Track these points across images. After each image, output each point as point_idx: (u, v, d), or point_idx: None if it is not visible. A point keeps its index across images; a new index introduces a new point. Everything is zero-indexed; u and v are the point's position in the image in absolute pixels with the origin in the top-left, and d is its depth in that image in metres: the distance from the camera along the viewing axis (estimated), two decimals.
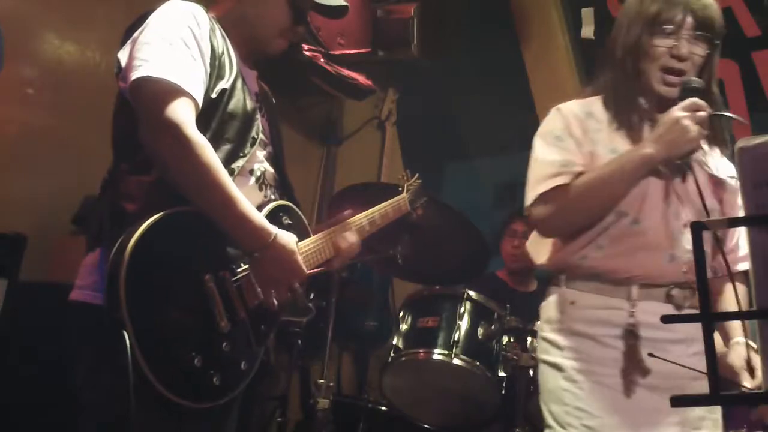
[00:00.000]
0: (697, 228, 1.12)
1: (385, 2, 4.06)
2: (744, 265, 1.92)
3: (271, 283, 1.71)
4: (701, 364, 1.84)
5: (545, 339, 1.96)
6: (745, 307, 1.78)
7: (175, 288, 1.56)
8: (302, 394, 3.76)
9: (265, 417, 3.50)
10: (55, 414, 2.21)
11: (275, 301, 1.73)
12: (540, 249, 2.04)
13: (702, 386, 1.80)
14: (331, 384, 3.17)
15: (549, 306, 1.98)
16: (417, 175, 2.39)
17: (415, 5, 3.97)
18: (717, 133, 1.93)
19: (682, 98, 1.81)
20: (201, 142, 1.60)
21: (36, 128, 2.94)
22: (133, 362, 1.45)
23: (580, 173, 1.87)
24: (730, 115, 1.91)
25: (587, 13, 4.01)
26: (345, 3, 2.03)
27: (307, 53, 3.68)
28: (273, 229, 1.70)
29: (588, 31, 4.00)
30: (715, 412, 1.87)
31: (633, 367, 1.81)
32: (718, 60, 1.94)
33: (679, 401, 1.19)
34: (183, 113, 1.59)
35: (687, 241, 1.85)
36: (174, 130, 1.57)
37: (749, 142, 1.12)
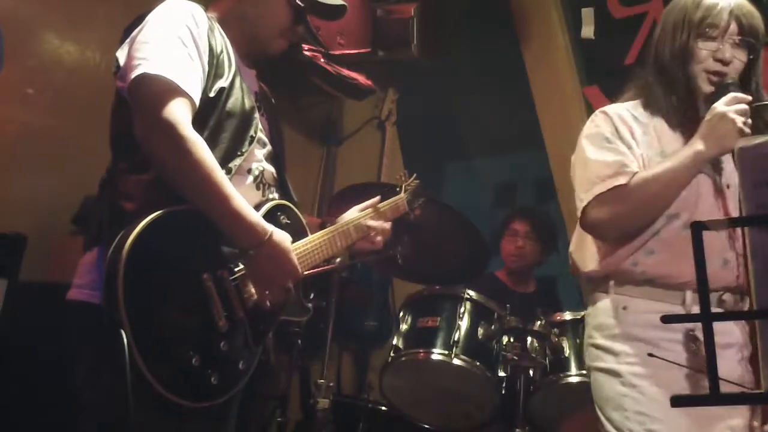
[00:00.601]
0: (696, 228, 1.12)
1: (385, 2, 4.06)
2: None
3: (266, 281, 1.72)
4: (749, 369, 1.84)
5: (597, 346, 1.94)
6: None
7: (173, 287, 1.56)
8: (302, 394, 3.75)
9: (265, 417, 3.50)
10: (55, 414, 2.21)
11: (269, 301, 1.73)
12: (585, 256, 2.00)
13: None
14: (331, 384, 3.17)
15: (598, 313, 1.96)
16: (415, 175, 2.39)
17: (415, 5, 3.96)
18: (759, 126, 1.91)
19: (718, 97, 1.84)
20: (196, 140, 1.60)
21: (36, 128, 2.94)
22: (131, 362, 1.45)
23: (635, 174, 1.86)
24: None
25: (587, 13, 4.01)
26: (343, 3, 2.03)
27: (307, 53, 3.67)
28: (269, 227, 1.71)
29: (588, 31, 4.00)
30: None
31: (698, 371, 1.78)
32: (761, 67, 1.96)
33: (679, 401, 1.19)
34: (179, 112, 1.60)
35: (738, 245, 1.85)
36: (169, 128, 1.57)
37: (749, 142, 1.12)
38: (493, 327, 2.93)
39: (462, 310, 2.96)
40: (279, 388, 3.46)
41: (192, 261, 1.61)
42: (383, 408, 3.26)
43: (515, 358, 2.88)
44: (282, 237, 1.74)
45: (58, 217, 2.82)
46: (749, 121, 1.78)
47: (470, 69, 4.37)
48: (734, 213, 1.86)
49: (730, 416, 1.83)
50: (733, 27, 1.89)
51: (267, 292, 1.72)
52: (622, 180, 1.85)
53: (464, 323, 2.93)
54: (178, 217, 1.61)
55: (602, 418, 1.87)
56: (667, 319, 1.21)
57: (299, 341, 3.27)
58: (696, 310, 1.76)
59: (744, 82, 1.92)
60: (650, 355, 1.79)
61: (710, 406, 1.75)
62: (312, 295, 1.94)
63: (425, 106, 4.55)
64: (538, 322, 2.95)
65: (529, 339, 2.93)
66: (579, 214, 1.93)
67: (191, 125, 1.62)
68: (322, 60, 3.78)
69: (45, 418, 2.47)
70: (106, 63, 3.07)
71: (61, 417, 1.87)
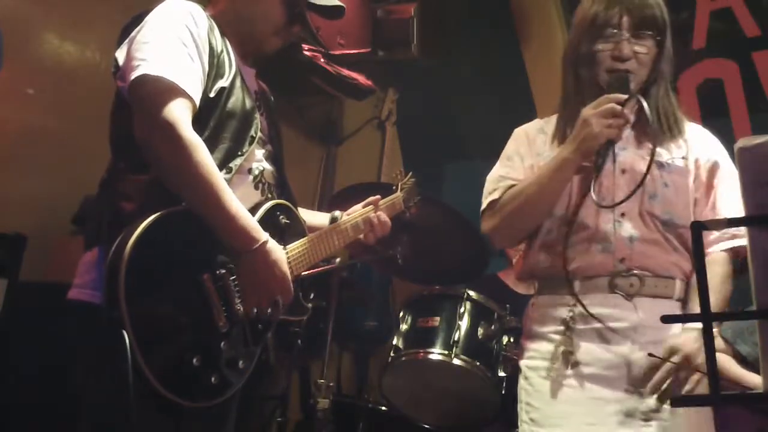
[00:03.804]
0: (696, 228, 1.12)
1: (385, 2, 4.06)
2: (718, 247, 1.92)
3: (253, 288, 1.69)
4: (656, 352, 1.84)
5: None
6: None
7: (174, 287, 1.56)
8: (302, 394, 3.76)
9: (265, 417, 3.50)
10: (55, 414, 2.21)
11: (256, 309, 1.70)
12: (511, 277, 2.16)
13: (651, 377, 1.82)
14: (331, 384, 3.17)
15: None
16: (411, 173, 2.39)
17: (415, 5, 3.96)
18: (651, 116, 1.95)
19: (609, 90, 1.86)
20: (195, 141, 1.60)
21: (36, 128, 2.94)
22: (132, 361, 1.45)
23: (513, 186, 1.98)
24: (640, 98, 1.88)
25: None
26: (341, 4, 2.03)
27: (307, 53, 3.67)
28: (264, 234, 1.69)
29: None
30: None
31: (566, 359, 1.88)
32: (670, 55, 1.97)
33: (679, 401, 1.19)
34: (178, 112, 1.59)
35: (624, 230, 1.89)
36: (168, 128, 1.57)
37: (749, 142, 1.12)
38: (493, 327, 2.93)
39: (462, 310, 2.95)
40: (279, 388, 3.47)
41: (193, 261, 1.61)
42: (383, 408, 3.26)
43: (515, 358, 2.87)
44: (275, 246, 1.72)
45: (58, 217, 2.82)
46: (618, 120, 1.80)
47: (470, 69, 4.37)
48: (618, 208, 1.88)
49: (620, 399, 1.83)
50: (626, 20, 1.90)
51: (254, 299, 1.69)
52: (495, 195, 2.01)
53: (464, 323, 2.93)
54: (179, 218, 1.61)
55: None
56: (666, 319, 1.21)
57: (299, 341, 3.27)
58: (587, 297, 1.88)
59: (649, 74, 1.93)
60: (650, 355, 1.79)
61: (710, 406, 1.77)
62: (312, 295, 1.94)
63: (425, 106, 4.55)
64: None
65: None
66: None
67: (191, 126, 1.62)
68: (322, 60, 3.78)
69: (45, 418, 2.47)
70: (106, 63, 3.07)
71: (61, 417, 1.87)
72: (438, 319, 2.96)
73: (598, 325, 1.87)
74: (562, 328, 1.90)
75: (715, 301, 1.79)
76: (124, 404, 1.45)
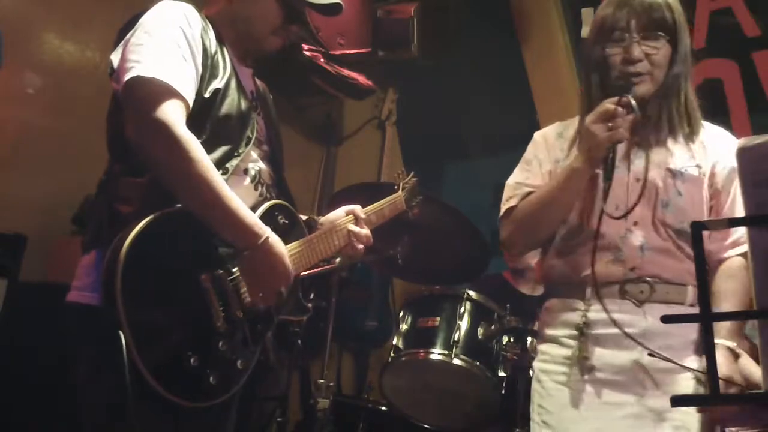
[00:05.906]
0: (696, 228, 1.12)
1: (385, 2, 4.06)
2: (731, 252, 1.91)
3: (258, 283, 1.70)
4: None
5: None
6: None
7: (172, 287, 1.56)
8: (302, 394, 3.76)
9: (265, 417, 3.50)
10: (55, 414, 2.21)
11: (261, 303, 1.71)
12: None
13: (661, 380, 1.83)
14: (331, 384, 3.17)
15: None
16: (413, 173, 2.38)
17: (415, 5, 3.97)
18: (665, 121, 1.93)
19: (612, 94, 1.84)
20: (190, 141, 1.60)
21: (36, 128, 2.94)
22: (130, 362, 1.45)
23: (530, 193, 1.98)
24: (628, 96, 1.82)
25: (587, 13, 4.00)
26: (339, 1, 2.02)
27: (307, 53, 3.67)
28: (265, 229, 1.70)
29: (588, 31, 3.99)
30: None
31: (581, 364, 1.89)
32: (686, 55, 1.93)
33: (679, 401, 1.19)
34: (172, 112, 1.59)
35: (635, 239, 1.89)
36: (163, 129, 1.57)
37: (749, 142, 1.12)
38: (493, 327, 2.94)
39: (462, 310, 2.96)
40: (279, 388, 3.46)
41: (190, 261, 1.61)
42: (383, 408, 3.26)
43: (515, 358, 2.88)
44: (277, 240, 1.73)
45: (58, 217, 2.83)
46: (618, 121, 1.78)
47: (470, 69, 4.37)
48: (630, 216, 1.86)
49: (630, 403, 1.83)
50: (634, 23, 1.87)
51: (260, 295, 1.71)
52: (513, 202, 2.01)
53: (464, 323, 2.93)
54: (176, 218, 1.61)
55: None
56: (666, 319, 1.21)
57: (299, 341, 3.27)
58: (597, 303, 1.87)
59: (666, 75, 1.90)
60: (650, 354, 1.79)
61: (709, 406, 1.77)
62: (312, 295, 1.94)
63: (425, 106, 4.55)
64: (538, 322, 2.95)
65: (529, 339, 2.93)
66: None
67: (185, 126, 1.61)
68: (322, 60, 3.78)
69: (45, 418, 2.47)
70: (106, 63, 3.06)
71: (61, 417, 1.88)
72: (438, 319, 2.97)
73: (610, 330, 1.85)
74: (575, 332, 1.90)
75: (742, 304, 1.79)
76: (122, 404, 1.45)
